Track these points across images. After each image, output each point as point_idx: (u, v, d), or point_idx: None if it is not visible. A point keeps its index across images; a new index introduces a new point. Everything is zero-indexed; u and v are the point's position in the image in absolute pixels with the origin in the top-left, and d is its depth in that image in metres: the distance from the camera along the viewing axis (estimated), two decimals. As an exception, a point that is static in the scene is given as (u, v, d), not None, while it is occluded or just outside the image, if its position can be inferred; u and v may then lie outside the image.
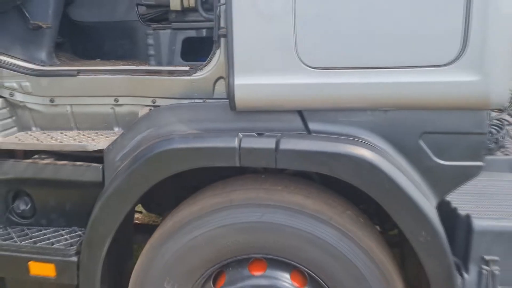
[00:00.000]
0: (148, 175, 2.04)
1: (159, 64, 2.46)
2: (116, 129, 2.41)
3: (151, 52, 2.47)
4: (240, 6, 1.82)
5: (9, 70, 2.30)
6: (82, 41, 2.95)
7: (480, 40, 1.75)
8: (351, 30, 1.81)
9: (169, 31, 2.43)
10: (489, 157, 2.54)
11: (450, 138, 1.93)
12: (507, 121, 2.76)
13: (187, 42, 2.46)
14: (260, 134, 1.98)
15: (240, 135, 1.96)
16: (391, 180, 1.86)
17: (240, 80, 1.90)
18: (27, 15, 2.54)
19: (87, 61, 2.81)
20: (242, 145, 1.94)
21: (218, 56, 2.05)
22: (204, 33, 2.41)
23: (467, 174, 1.96)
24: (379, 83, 1.85)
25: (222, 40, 2.00)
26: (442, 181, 1.96)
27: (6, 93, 2.34)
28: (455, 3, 1.75)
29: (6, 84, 2.32)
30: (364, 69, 1.84)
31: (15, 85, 2.32)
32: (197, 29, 2.40)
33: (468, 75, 1.79)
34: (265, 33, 1.84)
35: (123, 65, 2.42)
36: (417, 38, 1.80)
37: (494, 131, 2.60)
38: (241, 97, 1.93)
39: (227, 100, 2.02)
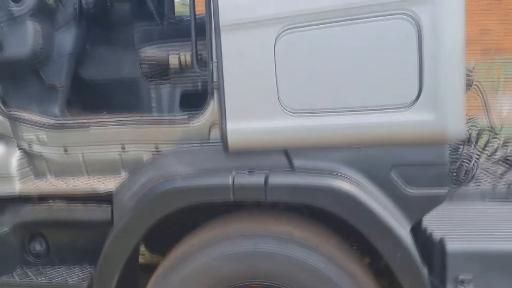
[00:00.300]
0: (153, 212, 2.30)
1: (160, 114, 2.77)
2: (122, 173, 2.68)
3: (153, 104, 2.79)
4: (229, 63, 2.15)
5: (28, 125, 2.59)
6: (90, 96, 3.27)
7: (433, 84, 2.06)
8: (324, 81, 2.13)
9: (168, 85, 2.76)
10: (462, 188, 2.81)
11: (417, 170, 2.21)
12: (477, 154, 3.04)
13: (184, 94, 2.78)
14: (251, 172, 2.26)
15: (233, 173, 2.24)
16: (367, 208, 2.12)
17: (231, 126, 2.21)
18: (43, 76, 2.88)
19: (95, 115, 3.12)
20: (235, 182, 2.21)
21: (212, 106, 2.35)
22: (199, 86, 2.74)
23: (435, 201, 2.22)
24: (351, 124, 2.15)
25: (215, 92, 2.31)
26: (413, 208, 2.22)
27: (25, 145, 2.63)
28: (410, 56, 2.07)
29: (25, 137, 2.61)
30: (337, 112, 2.15)
31: (33, 137, 2.61)
32: (192, 83, 2.73)
33: (425, 114, 2.09)
34: (251, 85, 2.17)
35: (128, 116, 2.72)
36: (381, 84, 2.11)
37: (465, 164, 2.87)
38: (232, 140, 2.22)
39: (221, 143, 2.31)
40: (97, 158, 2.65)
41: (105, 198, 2.51)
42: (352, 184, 2.16)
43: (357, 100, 2.13)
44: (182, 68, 2.67)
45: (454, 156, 2.85)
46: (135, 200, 2.36)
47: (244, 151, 2.28)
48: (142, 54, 2.73)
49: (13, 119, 2.58)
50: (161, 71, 2.77)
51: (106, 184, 2.51)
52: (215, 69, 2.23)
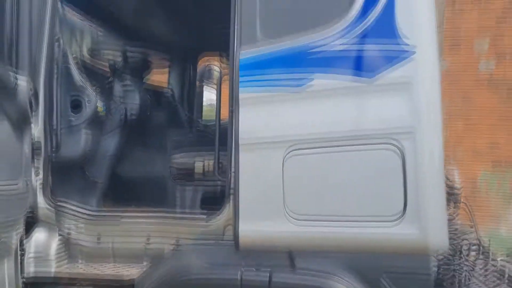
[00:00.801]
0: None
1: (183, 211, 3.17)
2: (145, 262, 3.02)
3: (178, 202, 3.20)
4: (245, 174, 2.59)
5: (69, 215, 3.02)
6: (123, 191, 3.72)
7: (416, 201, 2.43)
8: (325, 194, 2.53)
9: (192, 187, 3.19)
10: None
11: (405, 277, 2.49)
12: (466, 264, 3.27)
13: (204, 195, 3.21)
14: (257, 269, 2.58)
15: (242, 269, 2.56)
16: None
17: (243, 227, 2.58)
18: (87, 173, 3.37)
19: (125, 207, 3.54)
20: (243, 277, 2.53)
21: (228, 208, 2.74)
22: (218, 190, 3.16)
23: None
24: (346, 233, 2.50)
25: (231, 196, 2.72)
26: None
27: (65, 232, 3.03)
28: (396, 178, 2.47)
29: (66, 225, 3.02)
30: (334, 221, 2.51)
31: (72, 226, 3.01)
32: (213, 186, 3.16)
33: (410, 228, 2.44)
34: (263, 194, 2.58)
35: (154, 211, 3.13)
36: (371, 199, 2.49)
37: (457, 274, 3.10)
38: (243, 239, 2.58)
39: (233, 242, 2.66)
40: (124, 247, 3.01)
41: (129, 284, 2.83)
42: (344, 286, 2.45)
43: (351, 211, 2.50)
44: (205, 173, 3.12)
45: (447, 267, 3.09)
46: (154, 288, 2.67)
47: (253, 249, 2.62)
48: (172, 160, 3.22)
49: (58, 209, 3.01)
50: (187, 174, 3.22)
51: (130, 271, 2.84)
52: (232, 178, 2.66)
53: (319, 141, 2.50)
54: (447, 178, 2.85)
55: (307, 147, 2.52)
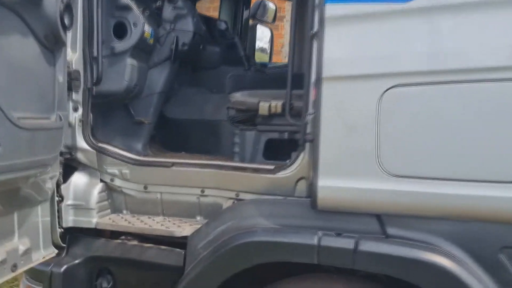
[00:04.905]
0: (229, 265, 2.16)
1: (242, 160, 2.69)
2: (198, 218, 2.59)
3: (236, 149, 2.71)
4: (328, 117, 2.03)
5: (112, 158, 2.59)
6: (171, 135, 3.28)
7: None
8: (432, 143, 1.95)
9: (254, 132, 2.68)
10: None
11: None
12: None
13: (269, 142, 2.69)
14: (338, 234, 2.08)
15: (319, 233, 2.07)
16: (472, 292, 1.86)
17: (323, 182, 2.06)
18: (132, 112, 2.92)
19: (174, 153, 3.10)
20: (321, 243, 2.04)
21: (301, 159, 2.23)
22: (286, 135, 2.64)
23: None
24: (458, 195, 1.93)
25: (307, 144, 2.20)
26: None
27: (107, 178, 2.62)
28: None
29: (109, 171, 2.60)
30: (443, 180, 1.94)
31: (116, 171, 2.60)
32: (279, 131, 2.64)
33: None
34: (350, 141, 2.02)
35: (210, 159, 2.66)
36: (498, 153, 1.89)
37: None
38: (323, 197, 2.07)
39: (307, 199, 2.17)
40: (175, 199, 2.59)
41: (179, 242, 2.41)
42: (455, 262, 1.92)
43: (467, 169, 1.92)
44: (271, 116, 2.60)
45: None
46: (210, 249, 2.24)
47: (333, 210, 2.11)
48: (232, 98, 2.69)
49: (100, 151, 2.59)
50: (247, 117, 2.70)
51: (182, 228, 2.42)
52: (310, 120, 2.13)
53: (432, 75, 1.90)
54: None
55: (415, 82, 1.92)
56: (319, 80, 2.04)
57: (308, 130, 2.16)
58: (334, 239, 2.06)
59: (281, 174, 2.30)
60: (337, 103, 2.02)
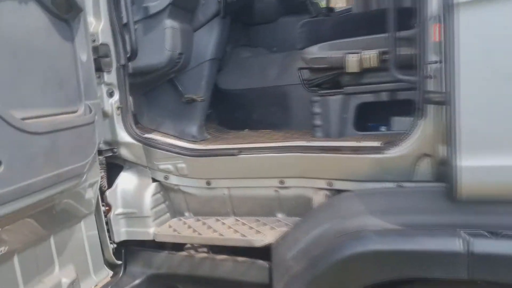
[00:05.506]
0: (335, 285, 1.58)
1: (327, 136, 2.05)
2: (279, 215, 2.03)
3: (317, 122, 2.08)
4: (471, 65, 1.33)
5: (164, 151, 2.04)
6: (228, 110, 2.69)
7: None
8: None
9: (340, 96, 2.03)
10: None
11: None
12: None
13: (360, 108, 2.03)
14: (494, 234, 1.42)
15: (465, 234, 1.42)
16: None
17: (468, 162, 1.39)
18: (180, 88, 2.34)
19: (236, 132, 2.53)
20: (472, 249, 1.39)
21: (422, 129, 1.57)
22: (384, 96, 1.97)
23: None
24: None
25: (429, 108, 1.53)
26: None
27: (160, 176, 2.09)
28: None
29: (161, 167, 2.06)
30: None
31: (170, 167, 2.06)
32: (376, 92, 1.97)
33: None
34: (508, 100, 1.33)
35: (287, 139, 2.05)
36: None
37: None
38: (469, 183, 1.41)
39: (435, 185, 1.53)
40: (247, 195, 2.03)
41: (260, 251, 1.86)
42: None
43: None
44: (362, 73, 1.93)
45: None
46: (305, 262, 1.65)
47: (481, 200, 1.45)
48: (307, 55, 2.02)
49: (147, 144, 2.05)
50: (330, 78, 2.04)
51: (262, 234, 1.85)
52: (436, 72, 1.45)
53: None
54: None
55: None
56: (448, 6, 1.34)
57: (432, 87, 1.48)
58: (491, 242, 1.40)
59: (393, 153, 1.66)
60: (486, 41, 1.32)
